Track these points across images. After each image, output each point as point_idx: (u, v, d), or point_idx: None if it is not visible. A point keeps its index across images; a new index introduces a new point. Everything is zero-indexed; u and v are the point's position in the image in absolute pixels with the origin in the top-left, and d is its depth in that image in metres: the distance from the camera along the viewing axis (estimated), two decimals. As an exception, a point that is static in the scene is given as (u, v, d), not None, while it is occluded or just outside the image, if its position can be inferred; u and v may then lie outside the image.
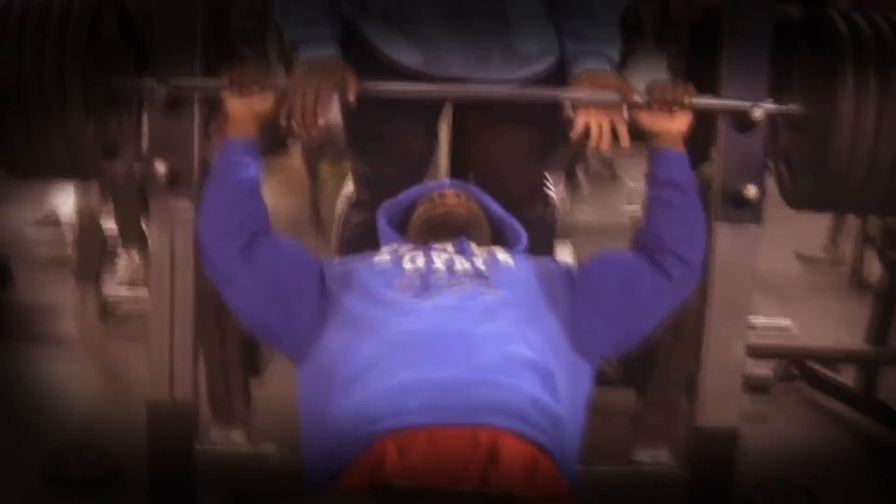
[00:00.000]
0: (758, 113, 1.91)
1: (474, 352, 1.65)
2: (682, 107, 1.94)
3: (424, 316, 1.72)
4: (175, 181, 1.97)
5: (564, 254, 3.55)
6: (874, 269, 4.22)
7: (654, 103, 1.96)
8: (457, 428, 1.53)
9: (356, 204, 2.54)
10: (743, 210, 1.98)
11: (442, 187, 2.20)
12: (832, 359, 3.38)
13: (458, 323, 1.71)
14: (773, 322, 3.11)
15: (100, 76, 1.96)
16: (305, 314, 1.83)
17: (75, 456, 2.69)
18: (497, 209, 2.20)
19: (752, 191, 1.94)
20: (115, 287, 3.96)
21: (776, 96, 1.99)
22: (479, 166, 2.48)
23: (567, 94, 2.12)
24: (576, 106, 2.09)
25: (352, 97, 2.03)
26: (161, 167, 1.94)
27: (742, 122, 1.94)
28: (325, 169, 5.09)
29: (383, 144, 2.38)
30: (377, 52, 2.25)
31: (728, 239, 1.99)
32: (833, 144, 1.88)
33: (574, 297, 1.87)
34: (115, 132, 2.05)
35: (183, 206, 1.98)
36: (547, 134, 2.39)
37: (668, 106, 1.94)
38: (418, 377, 1.59)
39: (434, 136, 2.50)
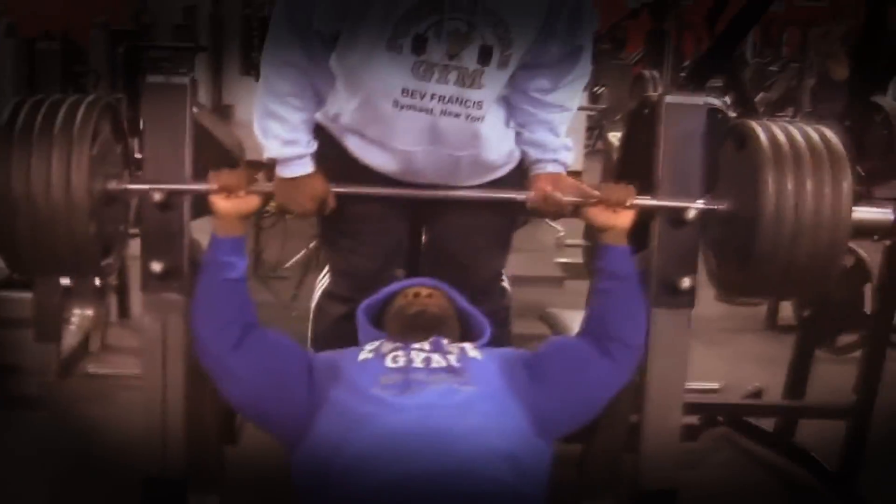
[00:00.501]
0: (691, 213, 2.12)
1: (453, 447, 1.85)
2: (626, 206, 2.15)
3: (409, 414, 1.91)
4: (167, 276, 2.13)
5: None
6: (789, 311, 4.51)
7: (601, 202, 2.17)
8: None
9: (332, 295, 2.67)
10: (678, 297, 2.19)
11: (415, 285, 2.37)
12: (756, 414, 3.59)
13: (439, 420, 1.90)
14: (704, 385, 3.33)
15: (99, 180, 2.09)
16: (297, 401, 2.00)
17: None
18: (464, 304, 2.37)
19: (686, 282, 2.15)
20: (72, 345, 4.06)
21: (708, 194, 2.19)
22: (444, 261, 2.61)
23: (526, 195, 2.37)
24: (534, 184, 2.37)
25: (328, 210, 2.27)
26: (156, 265, 2.11)
27: (676, 220, 2.15)
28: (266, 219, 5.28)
29: (359, 241, 2.53)
30: (353, 156, 2.39)
31: (665, 323, 2.20)
32: (756, 238, 2.06)
33: (531, 386, 2.06)
34: (110, 232, 2.18)
35: (173, 298, 2.15)
36: (503, 229, 2.63)
37: (614, 206, 2.15)
38: (407, 470, 1.79)
39: (405, 232, 2.63)
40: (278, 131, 2.27)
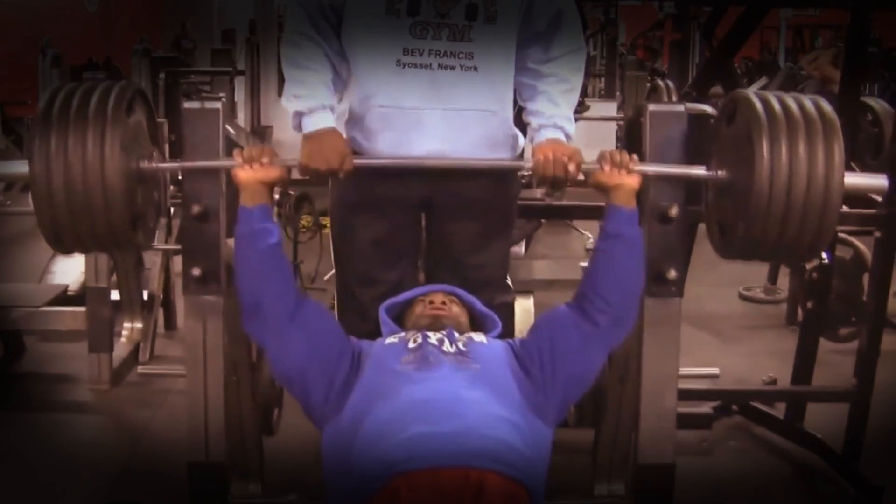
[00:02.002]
0: (674, 211, 2.30)
1: (464, 411, 2.05)
2: (628, 169, 2.25)
3: (425, 385, 2.12)
4: (205, 280, 2.34)
5: (528, 307, 3.96)
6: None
7: (603, 163, 2.27)
8: (453, 469, 1.93)
9: (343, 297, 2.85)
10: (667, 286, 2.35)
11: (433, 291, 2.56)
12: (764, 399, 3.78)
13: (450, 390, 2.11)
14: (703, 370, 3.48)
15: (133, 160, 2.20)
16: (337, 377, 2.20)
17: (116, 511, 3.04)
18: (479, 306, 2.58)
19: (672, 273, 2.33)
20: (122, 355, 4.34)
21: (707, 165, 2.30)
22: (450, 260, 2.80)
23: (531, 162, 2.50)
24: (535, 151, 2.51)
25: (346, 170, 2.42)
26: (196, 270, 2.32)
27: (663, 217, 2.31)
28: (304, 222, 5.54)
29: (368, 233, 2.72)
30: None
31: (656, 311, 2.35)
32: (752, 202, 2.10)
33: (521, 371, 2.24)
34: (144, 209, 2.29)
35: (212, 300, 2.35)
36: (503, 226, 2.84)
37: (616, 167, 2.26)
38: (423, 431, 1.99)
39: (412, 233, 2.81)
40: (299, 91, 2.50)
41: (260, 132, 7.80)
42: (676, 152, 2.34)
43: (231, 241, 2.35)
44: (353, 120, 2.62)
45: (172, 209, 4.91)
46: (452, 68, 2.54)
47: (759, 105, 2.15)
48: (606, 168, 2.28)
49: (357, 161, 2.46)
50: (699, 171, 2.32)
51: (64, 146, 2.08)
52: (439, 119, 2.57)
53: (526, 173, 2.68)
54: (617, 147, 3.33)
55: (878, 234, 3.17)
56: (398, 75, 2.53)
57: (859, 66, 3.22)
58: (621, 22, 12.93)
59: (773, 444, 3.68)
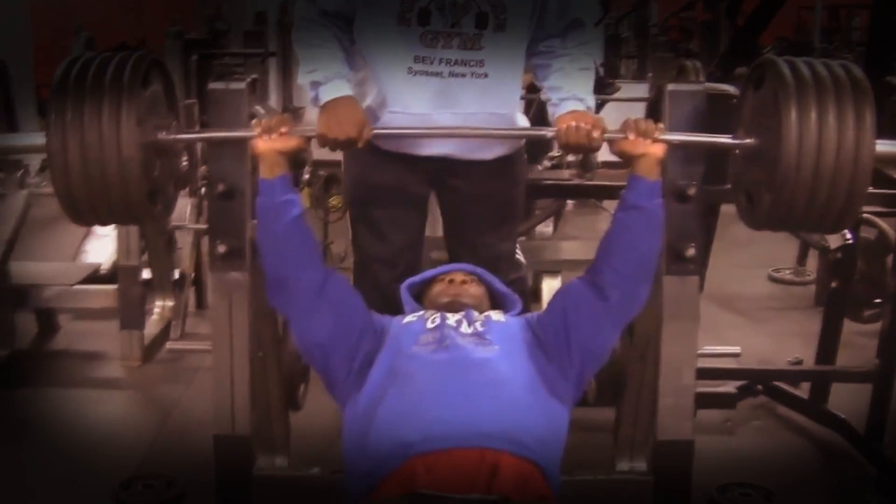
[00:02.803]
0: (692, 190, 2.31)
1: (479, 394, 2.10)
2: (653, 138, 2.22)
3: (442, 368, 2.16)
4: (231, 257, 2.37)
5: (555, 286, 4.00)
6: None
7: (628, 132, 2.25)
8: (468, 450, 1.98)
9: (361, 276, 2.94)
10: (685, 264, 2.36)
11: (453, 270, 2.61)
12: (789, 378, 3.80)
13: (467, 373, 2.15)
14: (724, 349, 3.49)
15: (149, 131, 2.21)
16: (359, 351, 2.24)
17: (144, 484, 3.08)
18: (499, 285, 2.62)
19: (691, 250, 2.35)
20: (153, 333, 4.41)
21: (734, 133, 2.27)
22: (463, 239, 2.91)
23: (551, 131, 2.52)
24: (558, 122, 2.51)
25: (364, 139, 2.44)
26: (221, 247, 2.36)
27: (680, 196, 2.33)
28: (334, 202, 5.59)
29: (386, 213, 2.82)
30: (375, 145, 2.67)
31: (675, 288, 2.37)
32: (780, 170, 2.06)
33: (537, 349, 2.27)
34: (162, 180, 2.32)
35: (237, 277, 2.38)
36: (511, 207, 2.91)
37: (641, 135, 2.23)
38: (439, 413, 2.04)
39: (423, 212, 2.92)
40: (313, 66, 2.55)
41: (292, 112, 7.85)
42: (695, 130, 2.34)
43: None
44: (371, 116, 2.65)
45: (203, 189, 5.00)
46: (463, 76, 2.59)
47: (787, 70, 2.11)
48: (631, 136, 2.25)
49: (376, 130, 2.49)
50: (725, 139, 2.29)
51: (80, 118, 2.09)
52: (449, 122, 2.62)
53: (554, 153, 2.69)
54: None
55: (903, 215, 3.17)
56: (409, 82, 2.59)
57: (883, 46, 3.21)
58: (653, 2, 12.85)
59: (797, 424, 3.69)
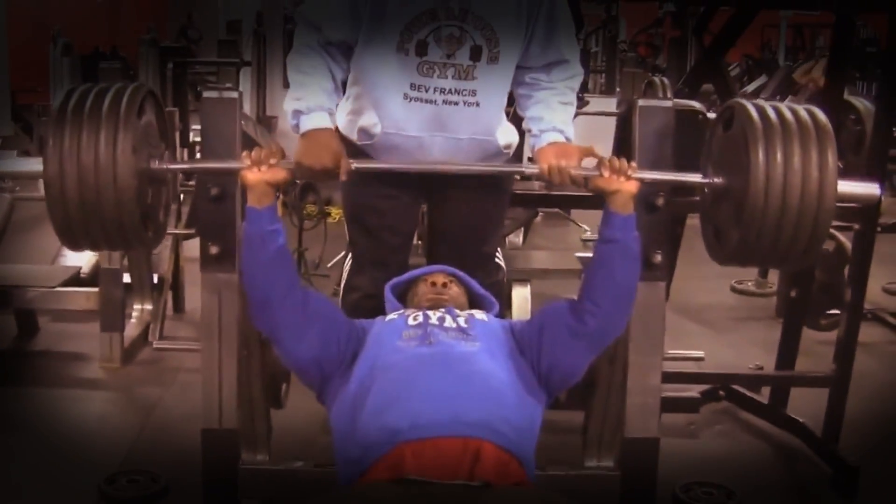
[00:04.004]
0: (660, 201, 2.44)
1: (463, 385, 2.21)
2: (626, 175, 2.33)
3: (426, 361, 2.28)
4: (221, 258, 2.47)
5: (525, 294, 4.12)
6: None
7: (603, 169, 2.35)
8: (452, 439, 2.09)
9: (357, 272, 3.07)
10: (653, 270, 2.49)
11: (435, 272, 2.73)
12: (749, 383, 3.93)
13: (451, 365, 2.27)
14: (689, 353, 3.61)
15: (143, 160, 2.28)
16: (344, 361, 2.36)
17: (129, 479, 3.16)
18: (477, 288, 2.75)
19: (658, 257, 2.47)
20: (132, 335, 4.48)
21: (703, 171, 2.40)
22: (449, 241, 3.04)
23: (531, 170, 2.66)
24: (539, 157, 2.63)
25: (343, 177, 2.54)
26: (213, 248, 2.46)
27: (650, 206, 2.45)
28: (310, 209, 5.71)
29: (380, 218, 2.94)
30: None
31: (643, 292, 2.46)
32: (747, 208, 2.18)
33: (516, 353, 2.40)
34: (154, 208, 2.40)
35: (227, 278, 2.49)
36: (495, 214, 3.04)
37: (615, 172, 2.34)
38: (425, 403, 2.15)
39: (416, 215, 3.06)
40: (300, 94, 2.61)
41: (265, 122, 7.93)
42: (664, 146, 2.48)
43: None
44: (365, 136, 2.79)
45: (182, 195, 5.09)
46: (456, 104, 2.71)
47: (754, 113, 2.24)
48: (606, 174, 2.36)
49: (356, 165, 2.58)
50: (695, 177, 2.43)
51: (77, 147, 2.16)
52: (440, 144, 2.77)
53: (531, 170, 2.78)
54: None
55: (857, 227, 3.32)
56: (404, 108, 2.72)
57: (843, 66, 3.36)
58: (622, 18, 13.04)
59: (758, 428, 3.82)
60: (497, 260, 3.15)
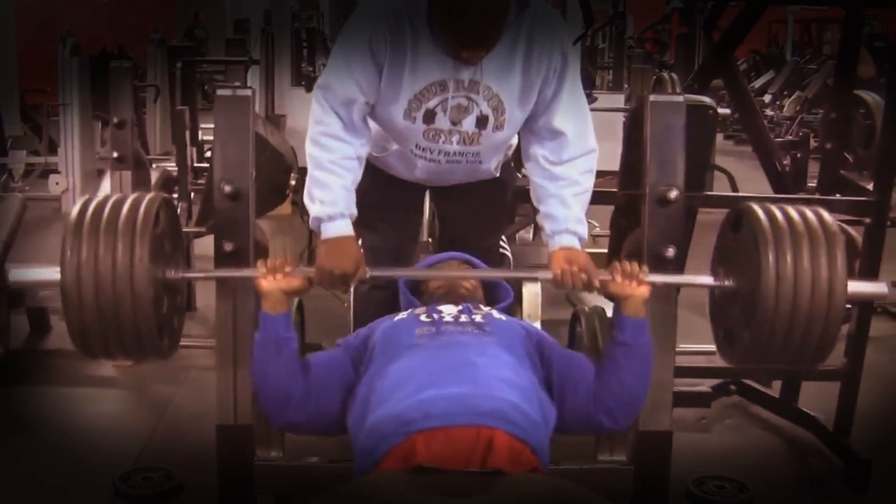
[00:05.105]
0: (673, 194, 2.45)
1: (476, 375, 2.22)
2: (639, 280, 2.37)
3: (440, 350, 2.31)
4: (235, 255, 2.49)
5: (535, 290, 4.12)
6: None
7: (615, 274, 2.38)
8: (465, 428, 2.10)
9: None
10: (665, 265, 2.50)
11: (448, 259, 2.77)
12: (762, 375, 3.94)
13: (464, 354, 2.29)
14: (699, 348, 3.61)
15: (159, 270, 2.30)
16: (358, 375, 2.40)
17: (143, 476, 3.17)
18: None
19: (671, 251, 2.48)
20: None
21: (713, 273, 2.43)
22: (453, 233, 3.10)
23: (544, 275, 2.58)
24: (552, 262, 2.56)
25: (360, 277, 2.55)
26: (228, 246, 2.48)
27: (662, 200, 2.47)
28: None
29: (386, 213, 3.00)
30: (386, 172, 2.92)
31: (655, 287, 2.45)
32: (758, 311, 2.21)
33: (536, 355, 2.44)
34: (170, 316, 2.39)
35: (241, 275, 2.50)
36: (498, 208, 3.09)
37: (627, 277, 2.37)
38: (438, 392, 2.16)
39: (421, 213, 3.12)
40: (321, 195, 2.56)
41: (274, 121, 7.95)
42: (675, 141, 2.49)
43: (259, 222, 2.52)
44: (379, 148, 2.85)
45: (193, 193, 5.11)
46: (459, 162, 2.76)
47: (763, 217, 2.27)
48: (618, 278, 2.39)
49: (372, 272, 2.59)
50: (706, 279, 2.45)
51: (94, 257, 2.17)
52: (442, 185, 2.90)
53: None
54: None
55: (868, 220, 3.33)
56: (410, 159, 2.78)
57: (852, 61, 3.37)
58: (629, 15, 13.05)
59: (769, 422, 3.83)
60: (502, 250, 3.19)
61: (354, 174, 2.62)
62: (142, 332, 2.24)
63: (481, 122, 2.64)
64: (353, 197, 2.61)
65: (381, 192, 2.94)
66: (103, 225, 2.21)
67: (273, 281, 2.37)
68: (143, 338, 2.26)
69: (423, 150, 2.72)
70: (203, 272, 2.54)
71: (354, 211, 2.60)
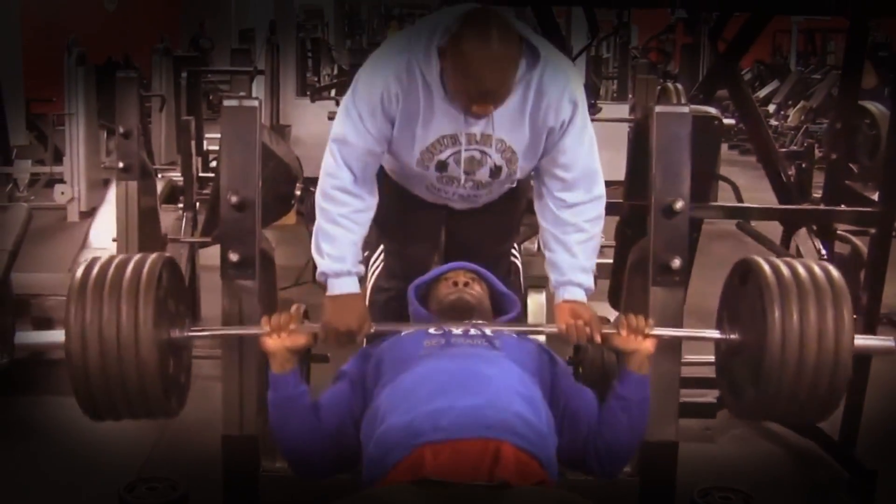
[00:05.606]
0: (679, 205, 2.46)
1: (484, 387, 2.23)
2: (644, 334, 2.38)
3: (448, 362, 2.32)
4: (242, 265, 2.50)
5: (540, 301, 4.12)
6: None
7: (620, 328, 2.40)
8: (473, 440, 2.11)
9: (386, 272, 3.13)
10: (671, 275, 2.51)
11: (457, 268, 2.78)
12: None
13: (473, 366, 2.30)
14: (704, 358, 3.60)
15: (164, 330, 2.30)
16: (370, 397, 2.40)
17: (148, 486, 3.17)
18: (499, 285, 2.80)
19: (676, 262, 2.49)
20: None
21: (719, 328, 2.45)
22: (466, 239, 3.07)
23: (550, 329, 2.64)
24: (557, 314, 2.56)
25: (365, 333, 2.56)
26: (234, 256, 2.49)
27: (668, 211, 2.48)
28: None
29: (409, 229, 3.01)
30: (402, 188, 2.87)
31: (660, 297, 2.51)
32: (764, 366, 2.22)
33: (546, 373, 2.47)
34: (175, 375, 2.41)
35: (248, 284, 2.52)
36: (511, 215, 3.07)
37: (632, 331, 2.39)
38: (446, 405, 2.17)
39: (441, 224, 3.06)
40: (329, 249, 2.56)
41: (279, 131, 7.96)
42: (681, 152, 2.50)
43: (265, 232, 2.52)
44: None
45: (198, 203, 5.12)
46: (471, 201, 2.81)
47: (770, 272, 2.27)
48: (623, 333, 2.41)
49: (377, 326, 2.60)
50: (712, 334, 2.48)
51: (98, 319, 2.18)
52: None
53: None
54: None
55: (873, 231, 3.33)
56: (425, 192, 2.80)
57: (857, 71, 3.37)
58: (634, 25, 13.06)
59: (774, 432, 3.83)
60: (513, 258, 3.18)
61: (363, 228, 2.62)
62: (148, 394, 2.25)
63: (494, 172, 2.65)
64: (360, 250, 2.63)
65: (403, 202, 2.94)
66: (107, 288, 2.21)
67: (278, 339, 2.39)
68: (149, 400, 2.27)
69: (438, 189, 2.74)
70: (209, 330, 2.58)
71: (361, 269, 2.62)
